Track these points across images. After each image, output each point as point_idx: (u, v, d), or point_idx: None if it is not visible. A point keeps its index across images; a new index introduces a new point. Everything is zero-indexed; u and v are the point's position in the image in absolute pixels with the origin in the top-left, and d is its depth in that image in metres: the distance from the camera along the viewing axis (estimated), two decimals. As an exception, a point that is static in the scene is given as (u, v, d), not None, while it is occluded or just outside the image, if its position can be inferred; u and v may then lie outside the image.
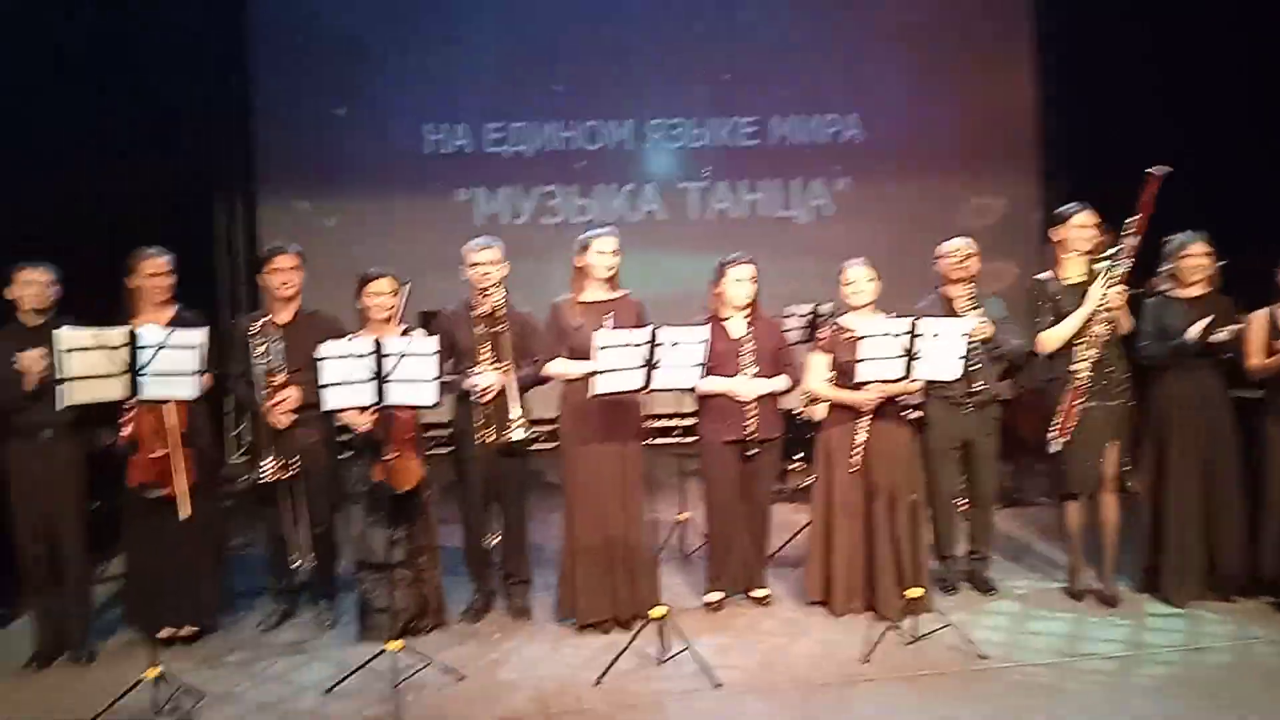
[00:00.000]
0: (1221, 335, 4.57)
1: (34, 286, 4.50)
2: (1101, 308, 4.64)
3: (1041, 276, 4.91)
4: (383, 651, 4.21)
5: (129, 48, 7.69)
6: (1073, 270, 4.83)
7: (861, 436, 4.68)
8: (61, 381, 3.79)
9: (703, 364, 4.29)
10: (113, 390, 3.87)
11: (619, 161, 9.74)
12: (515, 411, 4.68)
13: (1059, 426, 4.71)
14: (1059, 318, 4.76)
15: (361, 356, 4.00)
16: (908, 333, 4.30)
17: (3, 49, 6.41)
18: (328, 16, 9.26)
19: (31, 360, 4.29)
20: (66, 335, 3.82)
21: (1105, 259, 4.67)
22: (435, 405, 4.18)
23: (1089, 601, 4.94)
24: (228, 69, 9.32)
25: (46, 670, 4.54)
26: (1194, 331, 4.58)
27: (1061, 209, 4.94)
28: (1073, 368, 4.69)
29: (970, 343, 4.61)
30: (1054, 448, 4.74)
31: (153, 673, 4.01)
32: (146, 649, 4.17)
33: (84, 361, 3.81)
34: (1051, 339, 4.77)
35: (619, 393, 4.25)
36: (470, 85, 9.52)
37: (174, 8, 8.15)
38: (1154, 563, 4.91)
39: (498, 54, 9.48)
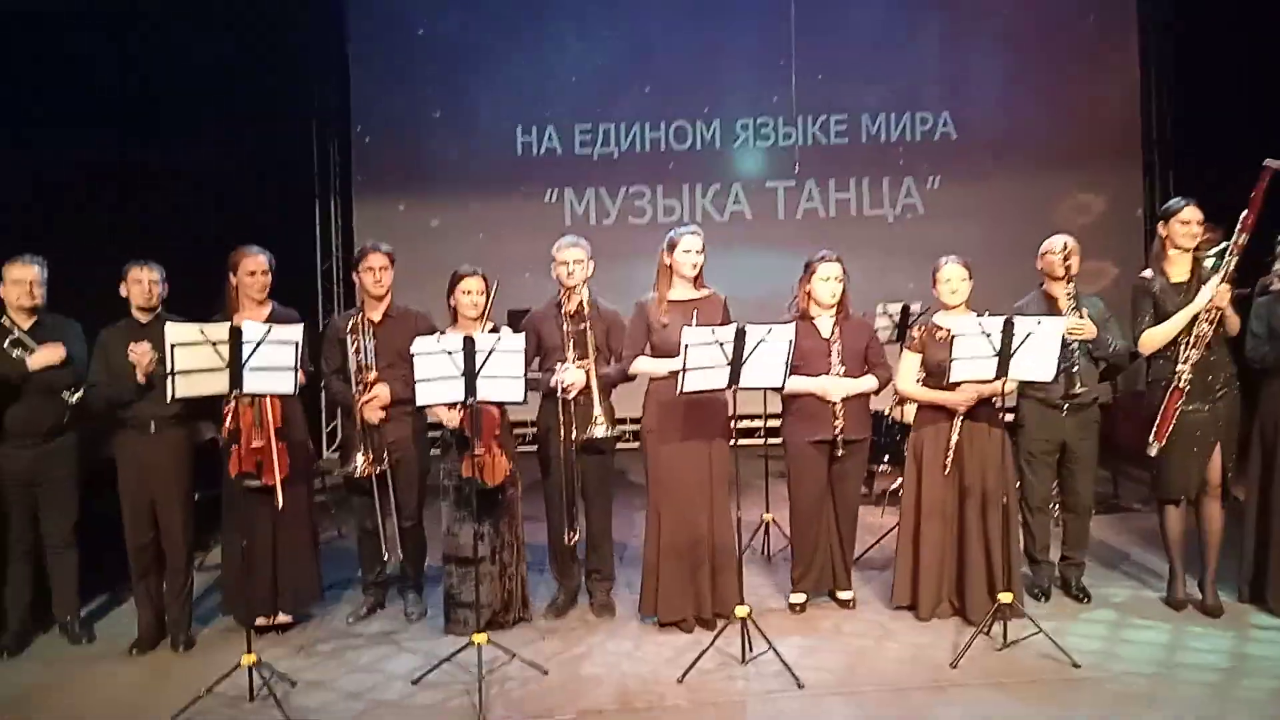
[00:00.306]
0: None
1: (143, 285, 4.68)
2: (1207, 307, 4.47)
3: (1146, 274, 4.76)
4: (468, 644, 4.27)
5: (235, 54, 8.02)
6: (1177, 268, 4.67)
7: (954, 438, 4.59)
8: (170, 375, 3.92)
9: (789, 363, 4.26)
10: (217, 384, 3.99)
11: (707, 161, 9.73)
12: (597, 409, 4.70)
13: (1158, 429, 4.56)
14: (1161, 317, 4.61)
15: (453, 353, 4.06)
16: (1003, 331, 4.20)
17: (128, 61, 6.77)
18: (424, 24, 9.48)
19: (142, 353, 4.47)
20: (174, 330, 3.96)
21: (1211, 256, 4.51)
22: (522, 402, 4.23)
23: (1189, 612, 4.76)
24: (328, 75, 9.65)
25: (148, 655, 4.70)
26: None
27: (1167, 204, 4.78)
28: (1175, 369, 4.54)
29: (1070, 343, 4.49)
30: (1152, 451, 4.59)
31: (248, 660, 4.12)
32: (242, 637, 4.29)
33: (190, 356, 3.93)
34: (1153, 339, 4.62)
35: (706, 391, 4.25)
36: (560, 87, 9.64)
37: (278, 19, 8.47)
38: (1259, 572, 4.72)
39: (587, 55, 9.59)
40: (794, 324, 4.52)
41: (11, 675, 4.51)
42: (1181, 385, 4.51)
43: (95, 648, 4.80)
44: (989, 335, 4.21)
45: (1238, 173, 4.39)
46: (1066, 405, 4.77)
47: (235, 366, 3.94)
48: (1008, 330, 4.19)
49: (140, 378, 4.52)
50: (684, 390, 4.18)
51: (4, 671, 4.56)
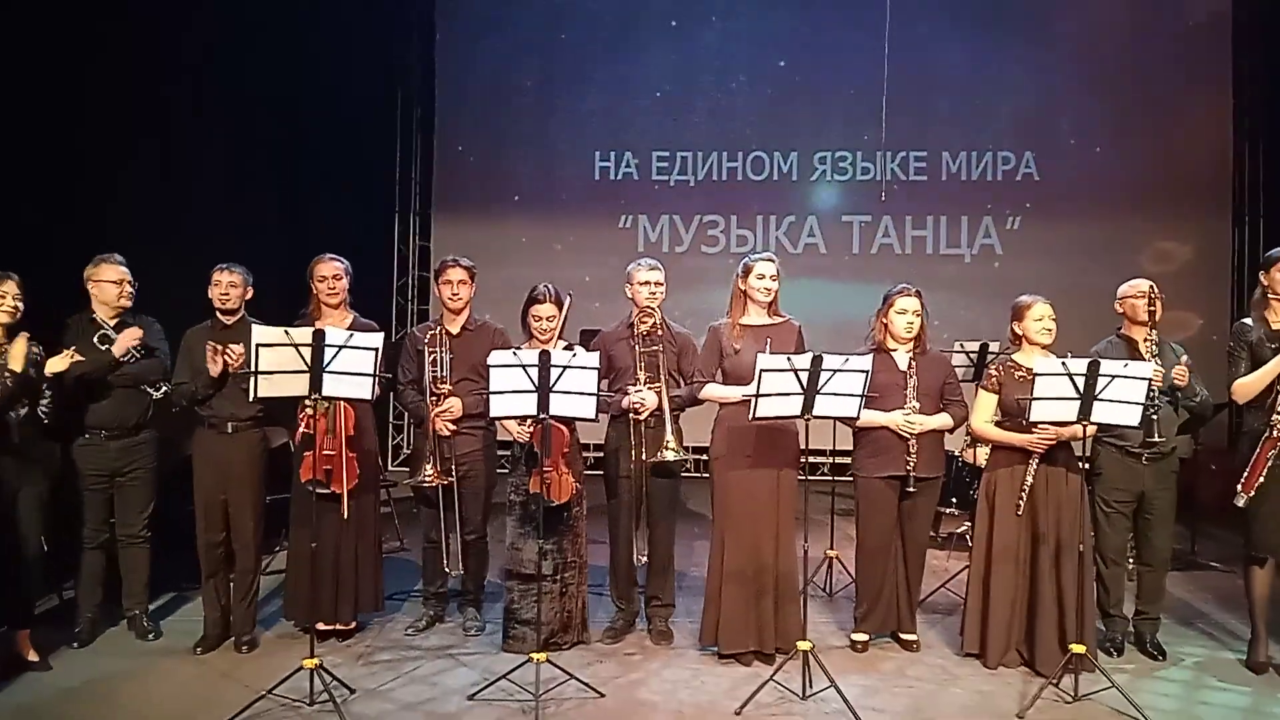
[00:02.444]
0: None
1: (221, 286, 4.80)
2: None
3: (1246, 321, 4.64)
4: (526, 662, 4.26)
5: (324, 67, 8.29)
6: (1277, 316, 4.54)
7: (1029, 479, 4.49)
8: (254, 375, 3.99)
9: (864, 395, 4.21)
10: (297, 386, 4.06)
11: (783, 193, 9.72)
12: (668, 432, 4.68)
13: (1247, 480, 4.41)
14: (1258, 365, 4.47)
15: (528, 367, 4.07)
16: (1087, 373, 4.09)
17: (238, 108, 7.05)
18: (509, 52, 9.65)
19: (235, 353, 4.56)
20: (260, 332, 4.04)
21: None
22: (593, 420, 4.23)
23: (1270, 676, 4.59)
24: (413, 95, 9.89)
25: (211, 654, 4.76)
26: None
27: (1270, 252, 4.66)
28: (1270, 419, 4.38)
29: (1156, 390, 4.37)
30: (1240, 502, 4.44)
31: (309, 664, 4.15)
32: (303, 641, 4.32)
33: (274, 357, 4.00)
34: (1246, 387, 4.49)
35: (778, 418, 4.21)
36: (640, 114, 9.72)
37: (371, 49, 8.75)
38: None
39: (667, 83, 9.66)
40: (871, 355, 4.47)
41: (80, 667, 4.58)
42: (1275, 435, 4.36)
43: (161, 644, 4.87)
44: (1073, 376, 4.11)
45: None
46: (1145, 454, 4.64)
47: (316, 369, 4.01)
48: (1092, 372, 4.08)
49: (215, 372, 4.61)
50: (756, 416, 4.14)
51: (73, 662, 4.63)
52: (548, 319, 4.78)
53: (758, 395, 4.10)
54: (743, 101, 9.69)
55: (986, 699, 4.33)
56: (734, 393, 4.59)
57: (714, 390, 4.73)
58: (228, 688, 4.34)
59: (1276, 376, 4.41)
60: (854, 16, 9.17)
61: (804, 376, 4.10)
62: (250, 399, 4.11)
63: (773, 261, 4.74)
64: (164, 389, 4.83)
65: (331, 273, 4.91)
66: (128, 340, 4.73)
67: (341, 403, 4.59)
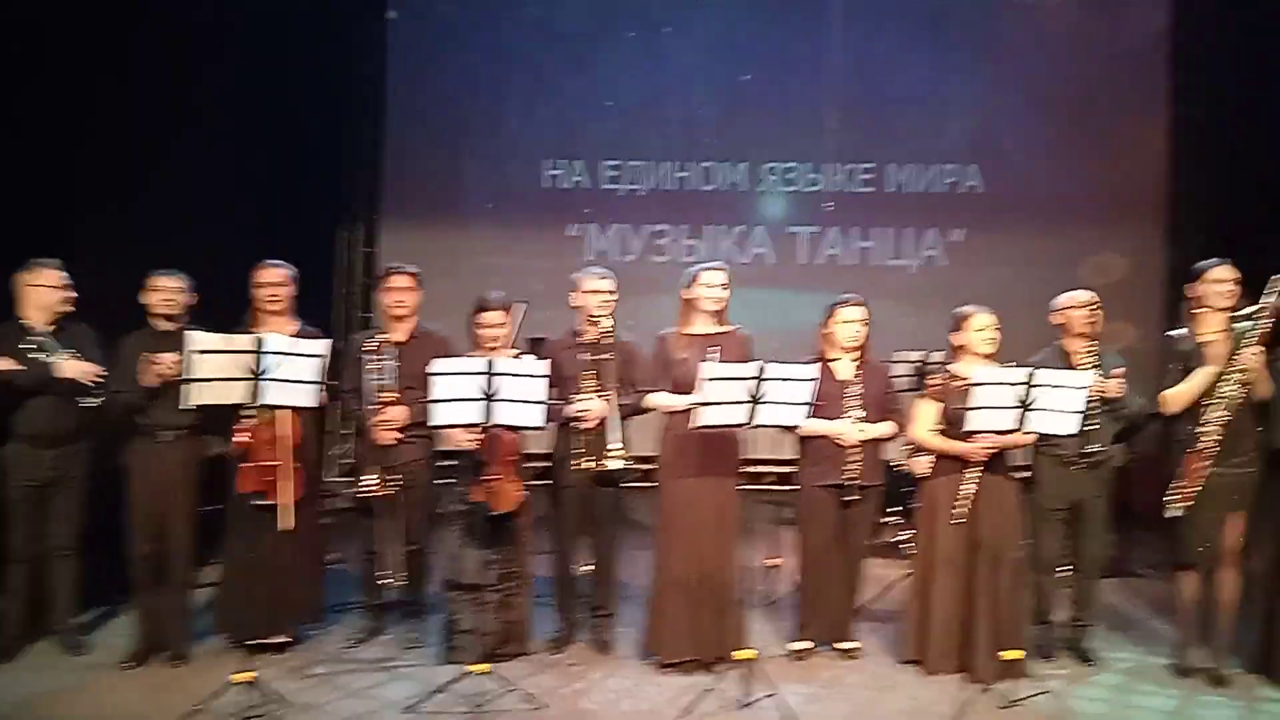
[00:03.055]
0: None
1: (164, 293, 4.69)
2: (1235, 369, 4.40)
3: (1174, 333, 4.72)
4: (468, 674, 4.22)
5: (267, 73, 8.17)
6: (1208, 328, 4.61)
7: (969, 488, 4.54)
8: (188, 382, 3.91)
9: (809, 404, 4.23)
10: (236, 394, 3.99)
11: (731, 203, 9.74)
12: (614, 441, 4.67)
13: (1180, 490, 4.49)
14: (1189, 375, 4.55)
15: (474, 375, 4.04)
16: (1025, 383, 4.15)
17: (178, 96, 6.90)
18: (459, 58, 9.57)
19: (165, 362, 4.45)
20: (196, 337, 3.95)
21: (1243, 317, 4.45)
22: (540, 429, 4.20)
23: (1198, 680, 4.67)
24: (361, 99, 9.73)
25: (142, 668, 4.65)
26: None
27: (1200, 264, 4.72)
28: (1201, 430, 4.46)
29: (1091, 400, 4.44)
30: (1172, 512, 4.52)
31: (242, 678, 4.07)
32: (237, 655, 4.25)
33: (211, 364, 3.93)
34: (1175, 398, 4.57)
35: (722, 427, 4.22)
36: (590, 122, 9.68)
37: (320, 53, 8.70)
38: (1269, 643, 4.64)
39: (617, 93, 9.64)
40: (818, 365, 4.50)
41: (4, 683, 4.47)
42: (1202, 446, 4.44)
43: (90, 659, 4.75)
44: (1012, 386, 4.16)
45: (1269, 241, 4.34)
46: (1081, 462, 4.72)
47: (257, 376, 3.94)
48: (1031, 382, 4.15)
49: (155, 382, 4.51)
50: (700, 425, 4.15)
51: (-3, 678, 4.52)
52: (495, 326, 4.75)
53: (701, 404, 4.10)
54: (693, 112, 9.68)
55: (923, 705, 4.38)
56: (680, 401, 4.58)
57: (660, 399, 4.73)
58: (159, 703, 4.25)
59: (1203, 389, 4.50)
60: (803, 30, 9.23)
61: (749, 386, 4.11)
62: (182, 407, 4.02)
63: (722, 271, 4.75)
64: (99, 399, 4.71)
65: (273, 279, 4.82)
66: (79, 372, 4.58)
67: (283, 412, 4.50)
